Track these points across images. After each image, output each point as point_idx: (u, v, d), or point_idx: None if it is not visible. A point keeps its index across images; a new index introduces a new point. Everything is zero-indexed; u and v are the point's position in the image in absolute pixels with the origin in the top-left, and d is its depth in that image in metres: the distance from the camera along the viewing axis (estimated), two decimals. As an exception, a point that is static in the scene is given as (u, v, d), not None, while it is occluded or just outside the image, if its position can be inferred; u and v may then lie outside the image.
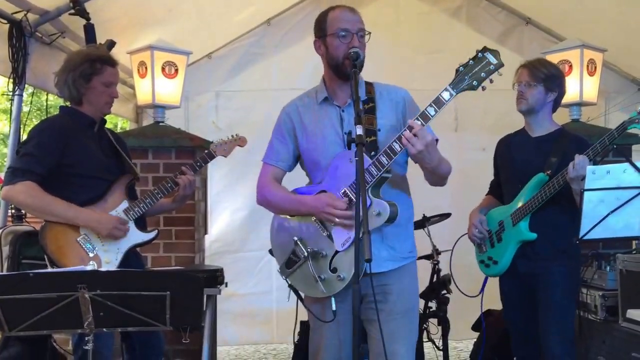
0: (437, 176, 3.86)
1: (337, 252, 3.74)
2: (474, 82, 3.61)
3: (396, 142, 3.61)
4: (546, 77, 4.79)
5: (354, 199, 3.61)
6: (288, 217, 3.98)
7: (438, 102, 3.60)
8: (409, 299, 3.96)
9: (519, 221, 4.75)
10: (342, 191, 3.74)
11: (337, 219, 3.72)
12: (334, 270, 3.73)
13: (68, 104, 4.65)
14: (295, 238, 3.86)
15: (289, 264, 3.91)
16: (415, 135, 3.52)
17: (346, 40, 3.78)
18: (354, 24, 3.82)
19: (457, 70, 3.64)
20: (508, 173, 5.00)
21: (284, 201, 3.96)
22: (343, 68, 3.81)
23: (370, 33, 3.86)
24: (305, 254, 3.81)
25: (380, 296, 3.74)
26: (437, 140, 3.65)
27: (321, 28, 3.92)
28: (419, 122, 3.56)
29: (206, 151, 5.01)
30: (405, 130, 3.57)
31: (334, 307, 3.74)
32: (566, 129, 5.03)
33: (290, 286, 3.96)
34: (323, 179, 3.88)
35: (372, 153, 3.72)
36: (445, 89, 3.62)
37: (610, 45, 7.05)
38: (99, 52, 4.63)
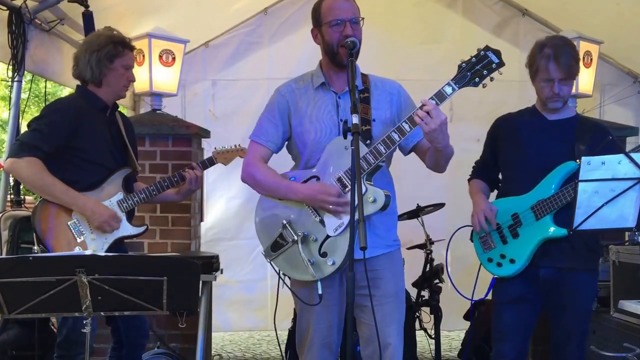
0: (443, 158, 3.84)
1: (328, 236, 3.76)
2: (476, 79, 3.65)
3: (406, 123, 3.64)
4: (578, 69, 4.41)
5: (349, 186, 3.66)
6: (277, 199, 3.96)
7: (440, 96, 3.64)
8: (397, 281, 4.03)
9: (544, 215, 4.28)
10: (337, 177, 3.76)
11: (331, 207, 3.73)
12: (324, 255, 3.75)
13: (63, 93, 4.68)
14: (284, 221, 3.86)
15: (275, 247, 3.91)
16: (428, 114, 3.54)
17: (340, 29, 3.82)
18: (346, 12, 3.84)
19: (459, 67, 3.68)
20: (520, 159, 4.46)
21: (274, 184, 3.94)
22: (338, 57, 3.86)
23: (364, 18, 3.89)
24: (295, 237, 3.80)
25: (371, 282, 3.78)
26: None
27: (317, 17, 3.96)
28: (433, 102, 3.59)
29: (207, 157, 5.07)
30: (417, 109, 3.59)
31: (319, 291, 3.75)
32: (580, 114, 4.66)
33: (279, 273, 3.98)
34: (315, 164, 3.90)
35: (367, 142, 3.76)
36: (448, 84, 3.65)
37: (606, 37, 7.07)
38: (120, 36, 4.67)
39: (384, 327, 3.78)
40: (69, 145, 4.39)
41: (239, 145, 5.13)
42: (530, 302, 4.41)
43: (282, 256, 3.90)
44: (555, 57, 4.26)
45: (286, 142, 4.11)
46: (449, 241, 5.15)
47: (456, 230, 4.99)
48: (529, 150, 4.42)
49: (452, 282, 5.36)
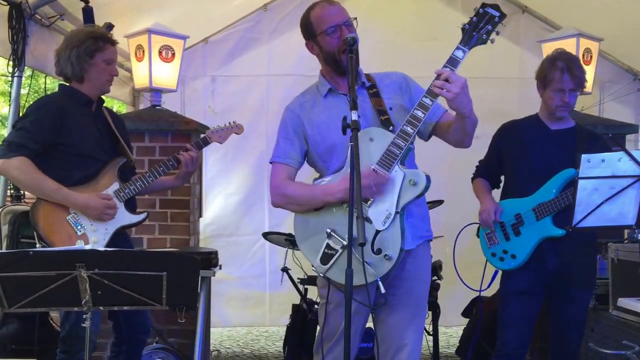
0: (470, 125, 3.69)
1: (377, 232, 3.59)
2: (484, 36, 3.61)
3: (426, 97, 3.57)
4: (585, 81, 4.79)
5: (385, 174, 3.56)
6: (312, 211, 3.80)
7: (453, 62, 3.58)
8: (424, 286, 3.95)
9: (544, 216, 4.63)
10: (372, 168, 3.57)
11: (374, 187, 3.55)
12: (379, 252, 3.58)
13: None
14: (328, 230, 3.68)
15: (325, 259, 3.70)
16: (447, 80, 3.49)
17: (337, 35, 3.77)
18: (338, 16, 3.80)
19: (463, 29, 3.64)
20: (526, 165, 4.78)
21: (308, 194, 3.81)
22: (341, 63, 3.80)
23: (356, 18, 3.84)
24: (344, 243, 3.61)
25: (397, 281, 3.75)
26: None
27: (308, 30, 3.93)
28: (448, 68, 3.54)
29: (201, 136, 5.02)
30: (433, 81, 3.54)
31: (382, 290, 3.55)
32: (579, 123, 4.93)
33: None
34: (344, 165, 3.77)
35: (390, 128, 3.67)
36: (458, 48, 3.60)
37: (605, 35, 7.07)
38: (100, 31, 4.67)
39: (403, 328, 3.77)
40: (57, 142, 4.38)
41: (234, 122, 5.07)
42: (535, 295, 4.73)
43: (335, 266, 3.69)
44: (568, 69, 4.63)
45: (306, 157, 4.00)
46: (457, 237, 5.16)
47: (463, 228, 5.02)
48: (534, 158, 4.76)
49: (460, 278, 5.33)
